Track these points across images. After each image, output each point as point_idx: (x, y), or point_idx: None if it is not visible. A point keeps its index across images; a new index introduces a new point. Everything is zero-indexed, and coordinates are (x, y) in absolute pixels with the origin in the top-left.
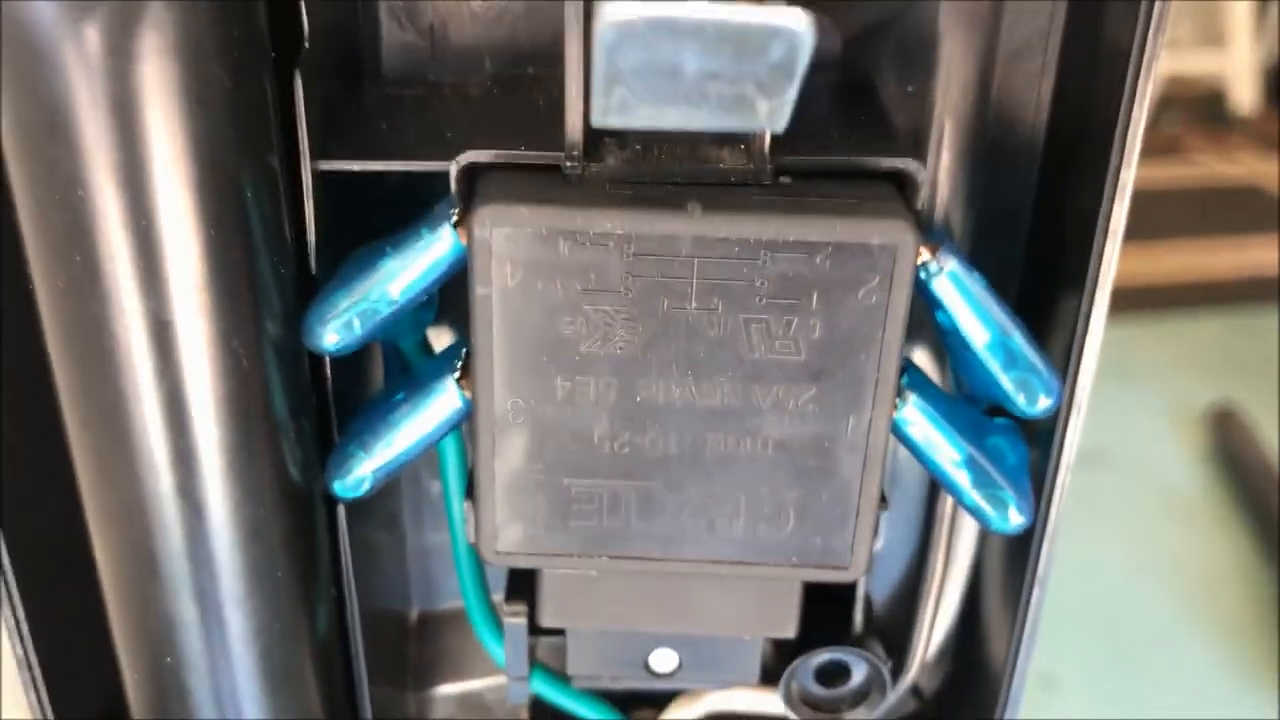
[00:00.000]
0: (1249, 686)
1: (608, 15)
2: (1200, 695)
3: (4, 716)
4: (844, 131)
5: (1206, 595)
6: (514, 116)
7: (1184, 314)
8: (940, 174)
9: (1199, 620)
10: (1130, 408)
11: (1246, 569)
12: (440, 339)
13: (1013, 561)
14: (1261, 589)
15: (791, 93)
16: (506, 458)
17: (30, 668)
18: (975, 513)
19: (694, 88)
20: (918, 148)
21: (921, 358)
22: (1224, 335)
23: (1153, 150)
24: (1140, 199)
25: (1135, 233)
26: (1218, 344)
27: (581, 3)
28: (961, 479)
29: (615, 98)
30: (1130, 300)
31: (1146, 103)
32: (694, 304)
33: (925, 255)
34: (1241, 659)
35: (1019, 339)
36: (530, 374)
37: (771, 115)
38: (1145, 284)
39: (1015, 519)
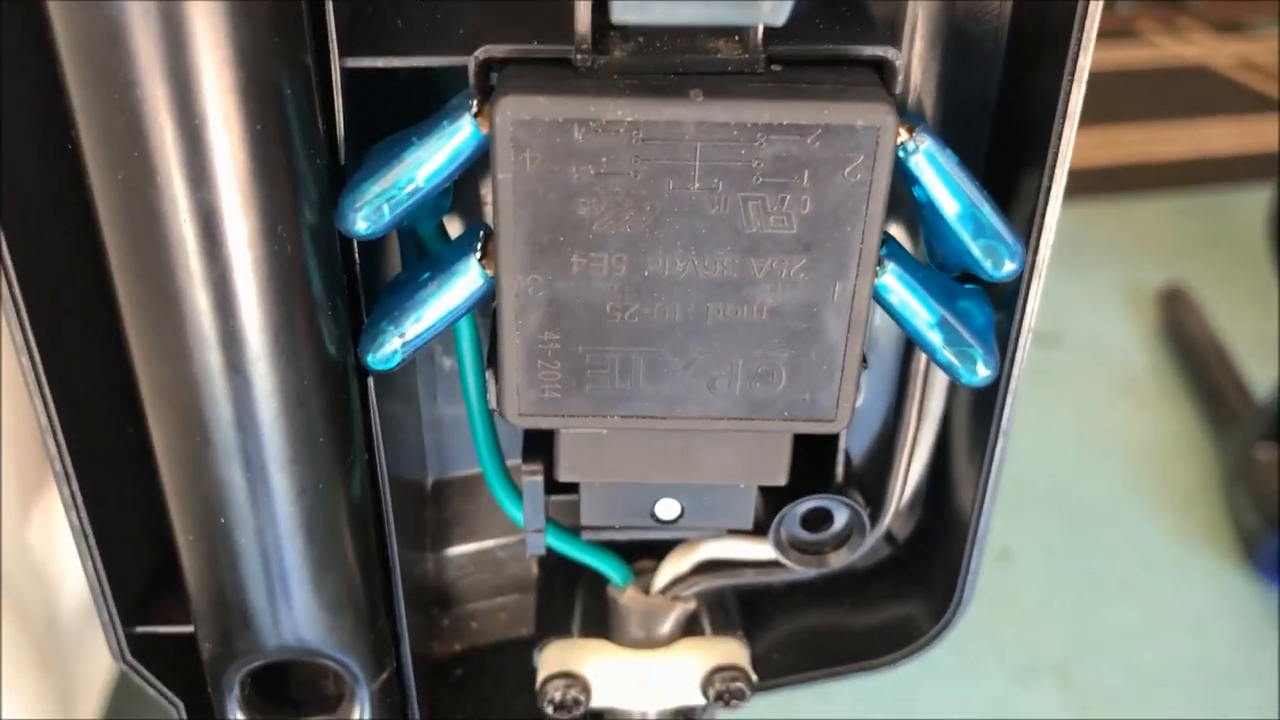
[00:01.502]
0: (1195, 556)
1: None
2: (1149, 565)
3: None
4: (827, 22)
5: (1155, 469)
6: (518, 12)
7: (1136, 195)
8: (913, 61)
9: (1147, 493)
10: (1083, 288)
11: (1193, 443)
12: (452, 226)
13: (979, 415)
14: (1207, 462)
15: None
16: (526, 330)
17: (86, 536)
18: (947, 368)
19: None
20: (893, 36)
21: (898, 232)
22: (1175, 216)
23: (1106, 32)
24: (1093, 81)
25: (1088, 115)
26: (1169, 225)
27: None
28: (935, 338)
29: None
30: (1083, 182)
31: None
32: (697, 184)
33: (904, 135)
34: (1188, 530)
35: (987, 210)
36: (547, 252)
37: (774, 10)
38: (1098, 166)
39: (983, 372)
